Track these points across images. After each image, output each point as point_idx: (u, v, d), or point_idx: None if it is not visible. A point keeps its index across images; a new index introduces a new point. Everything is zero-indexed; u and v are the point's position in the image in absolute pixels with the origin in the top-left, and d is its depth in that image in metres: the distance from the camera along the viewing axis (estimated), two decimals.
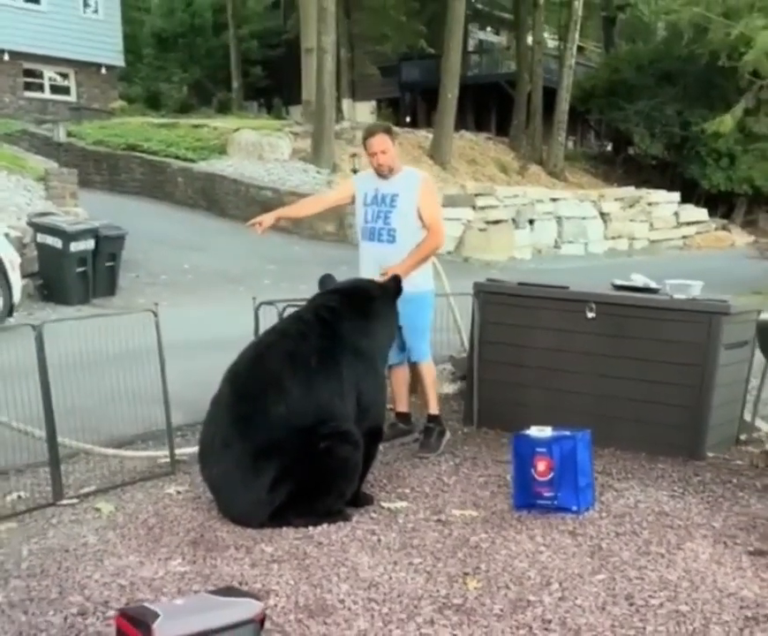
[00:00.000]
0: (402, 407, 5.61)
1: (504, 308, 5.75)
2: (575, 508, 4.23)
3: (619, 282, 5.86)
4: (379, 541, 3.90)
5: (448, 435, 5.46)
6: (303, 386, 4.11)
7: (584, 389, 5.43)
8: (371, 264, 5.24)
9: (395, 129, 23.27)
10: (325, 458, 4.05)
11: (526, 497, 4.29)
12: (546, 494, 4.23)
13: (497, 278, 6.24)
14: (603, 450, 5.15)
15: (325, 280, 4.70)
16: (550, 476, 4.21)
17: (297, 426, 4.04)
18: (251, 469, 4.03)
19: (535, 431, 4.33)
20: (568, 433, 4.31)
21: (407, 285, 5.15)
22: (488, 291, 5.87)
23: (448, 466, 5.08)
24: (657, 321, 5.26)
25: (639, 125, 27.51)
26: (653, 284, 5.73)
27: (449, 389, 6.71)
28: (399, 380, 5.56)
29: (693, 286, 5.39)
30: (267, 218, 5.35)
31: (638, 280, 5.85)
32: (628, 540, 3.95)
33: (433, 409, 5.42)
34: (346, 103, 30.92)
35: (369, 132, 5.33)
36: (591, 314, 5.41)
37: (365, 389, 4.32)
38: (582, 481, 4.25)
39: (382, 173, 5.22)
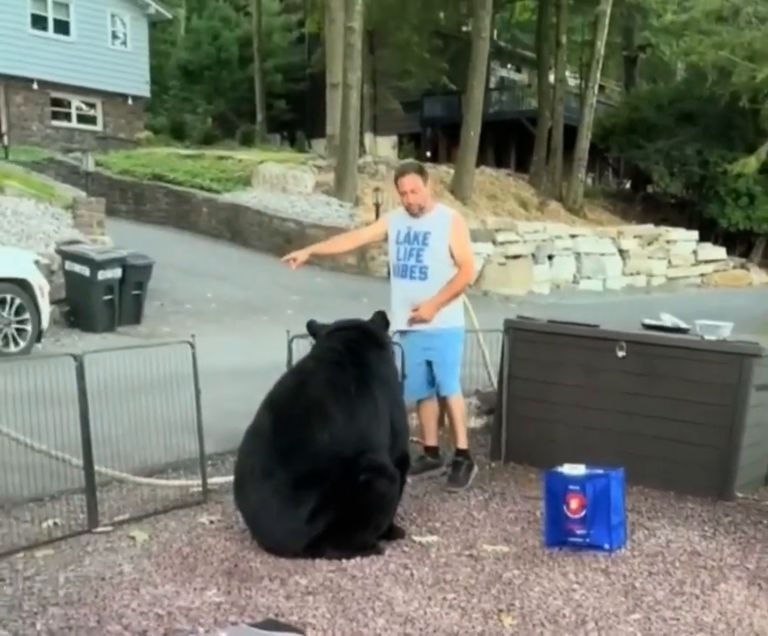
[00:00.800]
0: (431, 441, 5.64)
1: (534, 345, 5.79)
2: (607, 546, 4.23)
3: (649, 321, 5.88)
4: (412, 575, 3.92)
5: (476, 469, 5.48)
6: (345, 413, 4.17)
7: (613, 426, 5.45)
8: (402, 301, 5.35)
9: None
10: (363, 491, 4.08)
11: (558, 534, 4.29)
12: (579, 531, 4.24)
13: (527, 315, 6.27)
14: (631, 488, 5.14)
15: (313, 324, 4.73)
16: (582, 513, 4.22)
17: (339, 454, 4.08)
18: (291, 498, 4.05)
19: (568, 468, 4.34)
20: (601, 471, 4.32)
21: (438, 321, 5.24)
22: (518, 328, 5.91)
23: (477, 501, 5.10)
24: (687, 362, 5.28)
25: (659, 164, 27.72)
26: (683, 325, 5.75)
27: (476, 423, 6.73)
28: (428, 414, 5.60)
29: (723, 327, 5.41)
30: (301, 254, 5.42)
31: (668, 320, 5.87)
32: (662, 579, 3.95)
33: (462, 443, 5.45)
34: (368, 138, 31.19)
35: (400, 172, 5.43)
36: (621, 353, 5.43)
37: (396, 416, 4.42)
38: (614, 519, 4.26)
39: (413, 212, 5.31)
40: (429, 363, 5.39)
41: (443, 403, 5.58)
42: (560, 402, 5.64)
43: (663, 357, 5.34)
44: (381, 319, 4.79)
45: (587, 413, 5.53)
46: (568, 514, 4.27)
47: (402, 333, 5.36)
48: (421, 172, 5.34)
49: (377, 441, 4.23)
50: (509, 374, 5.87)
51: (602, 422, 5.46)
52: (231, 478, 4.99)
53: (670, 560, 4.19)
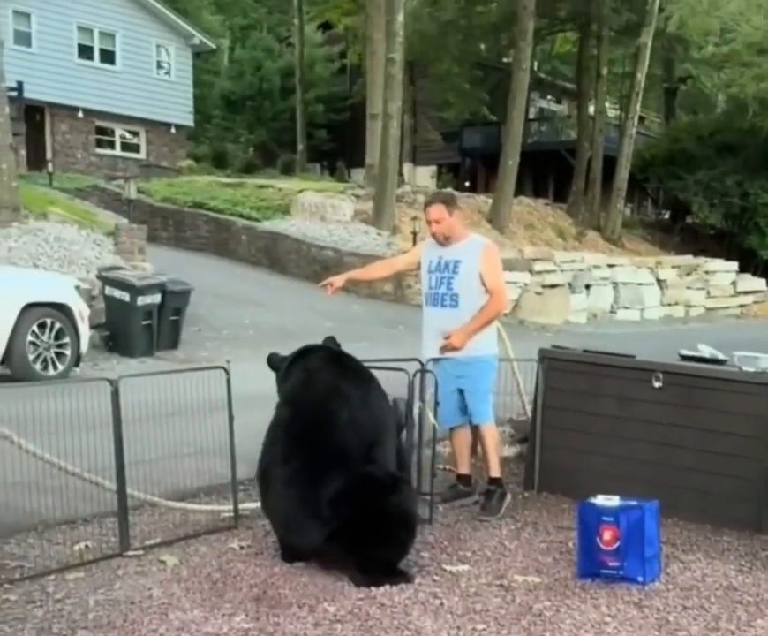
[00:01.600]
0: (464, 469, 5.61)
1: (568, 375, 5.74)
2: (641, 579, 4.15)
3: (686, 352, 5.81)
4: (441, 604, 3.87)
5: (509, 497, 5.43)
6: (360, 393, 4.33)
7: (648, 457, 5.37)
8: (434, 329, 5.37)
9: (455, 194, 23.67)
10: (386, 507, 4.09)
11: (591, 566, 4.22)
12: (612, 563, 4.17)
13: (562, 345, 6.22)
14: (666, 520, 5.05)
15: (273, 357, 4.82)
16: (616, 545, 4.16)
17: (359, 433, 4.15)
18: (311, 480, 4.08)
19: (601, 499, 4.28)
20: (635, 502, 4.26)
21: (470, 349, 5.22)
22: (553, 358, 5.87)
23: (509, 531, 5.04)
24: (725, 393, 5.19)
25: (698, 195, 27.66)
26: (721, 356, 5.67)
27: (509, 452, 6.68)
28: (461, 441, 5.58)
29: (762, 359, 5.32)
30: (338, 280, 5.48)
31: (705, 351, 5.80)
32: (697, 614, 3.86)
33: (495, 472, 5.41)
34: (407, 167, 31.38)
35: (427, 201, 5.52)
36: (657, 384, 5.37)
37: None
38: (648, 552, 4.18)
39: (438, 241, 5.36)
40: (461, 391, 5.37)
41: (476, 431, 5.56)
42: (595, 432, 5.58)
43: (700, 388, 5.26)
44: (333, 342, 4.86)
45: (622, 444, 5.46)
46: (601, 546, 4.20)
47: (435, 361, 5.35)
48: (447, 202, 5.36)
49: (390, 429, 4.36)
50: (543, 404, 5.82)
51: (637, 453, 5.39)
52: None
53: (705, 594, 4.10)
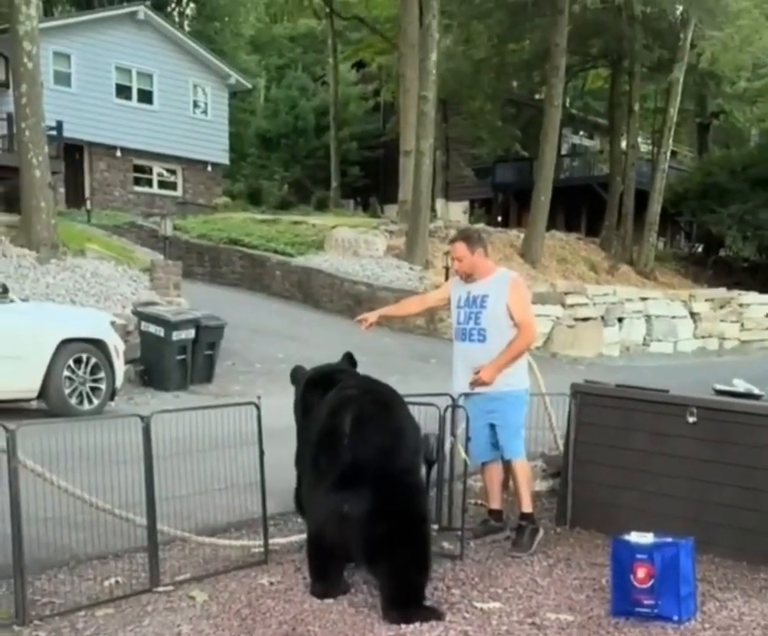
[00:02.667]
0: (495, 504, 5.57)
1: (601, 410, 5.68)
2: (676, 617, 4.07)
3: (720, 387, 5.73)
4: None
5: (541, 533, 5.37)
6: (396, 398, 4.51)
7: (682, 493, 5.29)
8: (463, 364, 5.38)
9: (488, 229, 23.76)
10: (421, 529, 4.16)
11: (625, 604, 4.15)
12: (646, 601, 4.09)
13: (594, 380, 6.17)
14: (701, 556, 4.95)
15: (298, 370, 4.98)
16: (650, 583, 4.09)
17: (404, 433, 4.33)
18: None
19: (635, 536, 4.22)
20: (669, 539, 4.19)
21: (500, 384, 5.20)
22: (585, 392, 5.82)
23: (541, 567, 4.98)
24: (761, 428, 5.11)
25: (732, 228, 27.71)
26: (756, 390, 5.59)
27: (541, 486, 6.61)
28: (492, 477, 5.55)
29: None
30: (372, 316, 5.54)
31: (740, 385, 5.72)
32: None
33: (527, 507, 5.36)
34: (440, 203, 31.51)
35: (451, 239, 5.63)
36: (692, 419, 5.30)
37: None
38: (684, 590, 4.11)
39: (461, 278, 5.43)
40: (492, 426, 5.35)
41: (508, 466, 5.52)
42: (628, 467, 5.51)
43: (735, 423, 5.18)
44: (350, 359, 4.97)
45: (656, 480, 5.38)
46: (636, 583, 4.13)
47: (466, 396, 5.34)
48: (469, 240, 5.38)
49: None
50: (576, 439, 5.77)
51: (671, 489, 5.31)
52: (293, 538, 5.00)
53: (743, 634, 4.01)
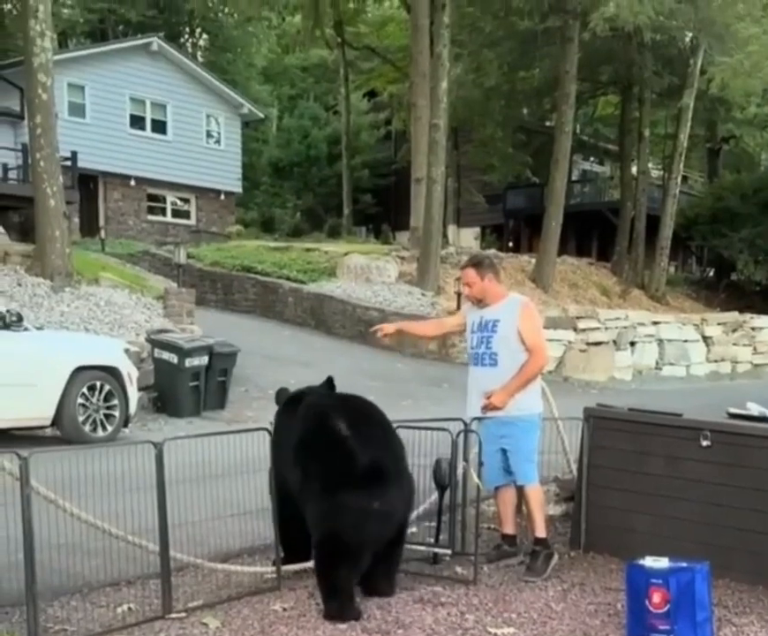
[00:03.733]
0: (509, 529, 5.55)
1: (614, 433, 5.66)
2: None
3: (734, 410, 5.71)
4: None
5: (555, 558, 5.34)
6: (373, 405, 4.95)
7: (697, 517, 5.26)
8: (476, 388, 5.40)
9: (500, 255, 23.78)
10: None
11: (640, 629, 4.11)
12: (662, 627, 4.05)
13: (607, 403, 6.16)
14: (717, 581, 4.90)
15: (281, 392, 5.28)
16: (666, 608, 4.05)
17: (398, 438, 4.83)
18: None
19: (650, 561, 4.19)
20: (685, 564, 4.16)
21: (512, 408, 5.21)
22: (598, 416, 5.80)
23: (555, 592, 4.95)
24: None
25: (743, 252, 27.84)
26: None
27: (554, 510, 6.57)
28: (505, 501, 5.53)
29: None
30: (390, 327, 5.65)
31: (754, 409, 5.69)
32: None
33: (540, 532, 5.34)
34: (451, 230, 31.61)
35: (461, 266, 5.70)
36: (705, 443, 5.28)
37: None
38: (700, 615, 4.07)
39: (472, 303, 5.49)
40: (504, 451, 5.34)
41: (521, 490, 5.50)
42: (642, 491, 5.49)
43: (749, 447, 5.16)
44: (330, 384, 5.15)
45: (670, 504, 5.36)
46: (651, 609, 4.10)
47: (479, 420, 5.34)
48: (478, 266, 5.43)
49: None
50: (589, 463, 5.75)
51: (685, 513, 5.28)
52: (306, 565, 5.00)
53: None
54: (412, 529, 5.88)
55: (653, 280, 27.16)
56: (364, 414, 4.75)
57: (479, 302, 5.41)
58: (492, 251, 25.29)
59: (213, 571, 5.09)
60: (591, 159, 37.63)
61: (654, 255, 27.11)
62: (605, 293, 25.26)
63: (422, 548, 5.43)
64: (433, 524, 5.59)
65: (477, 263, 5.48)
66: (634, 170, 29.12)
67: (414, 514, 5.76)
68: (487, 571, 5.22)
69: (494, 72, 27.81)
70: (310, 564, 5.11)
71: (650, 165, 30.79)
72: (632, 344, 20.15)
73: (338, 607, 4.32)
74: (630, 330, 20.16)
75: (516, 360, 5.27)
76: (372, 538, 4.40)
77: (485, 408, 5.28)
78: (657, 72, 27.27)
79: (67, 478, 4.52)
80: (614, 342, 19.63)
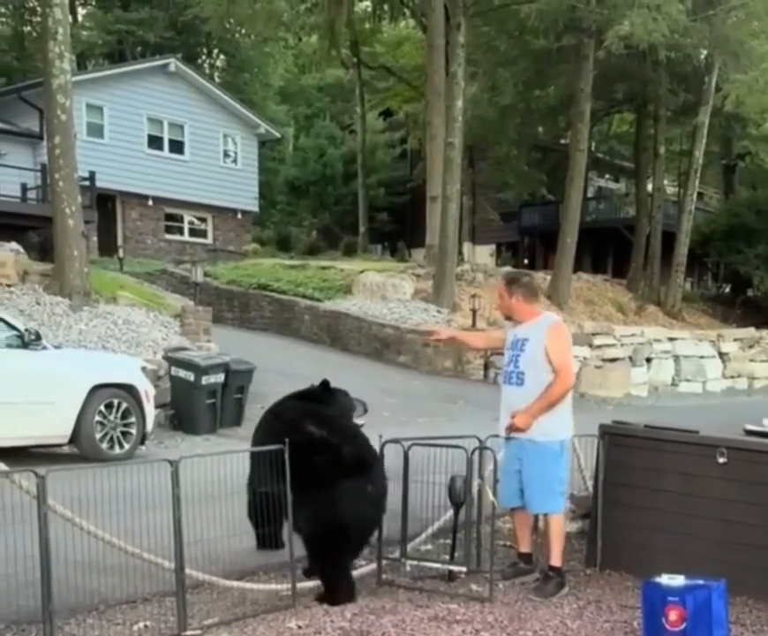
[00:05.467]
0: (525, 548, 5.52)
1: (630, 450, 5.64)
2: None
3: (751, 427, 5.68)
4: None
5: (566, 589, 5.22)
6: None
7: (713, 535, 5.23)
8: (504, 406, 5.35)
9: (528, 275, 23.76)
10: None
11: None
12: None
13: (623, 420, 6.13)
14: (734, 598, 4.87)
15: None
16: (683, 626, 4.03)
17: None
18: None
19: (666, 579, 4.17)
20: (701, 582, 4.13)
21: (534, 432, 5.15)
22: (614, 433, 5.78)
23: (571, 609, 4.92)
24: None
25: (759, 268, 27.81)
26: None
27: (570, 527, 6.52)
28: (521, 522, 5.50)
29: None
30: (444, 332, 5.79)
31: None
32: None
33: (556, 561, 5.23)
34: (467, 247, 31.64)
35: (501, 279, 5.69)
36: (722, 460, 5.25)
37: None
38: (717, 633, 4.05)
39: (504, 319, 5.54)
40: (518, 472, 5.27)
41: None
42: (658, 508, 5.46)
43: (766, 464, 5.13)
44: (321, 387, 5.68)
45: (686, 521, 5.33)
46: (668, 627, 4.09)
47: (505, 439, 5.32)
48: (510, 283, 5.43)
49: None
50: (605, 480, 5.73)
51: (702, 530, 5.25)
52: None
53: None
54: (427, 546, 5.90)
55: (669, 296, 27.12)
56: (328, 416, 5.24)
57: (507, 318, 5.49)
58: (507, 268, 25.31)
59: (228, 588, 5.10)
60: (607, 176, 37.65)
61: (670, 272, 27.09)
62: (620, 310, 25.21)
63: (437, 565, 5.42)
64: (448, 541, 5.58)
65: (509, 281, 5.49)
66: (649, 186, 29.15)
67: (429, 531, 5.78)
68: (503, 589, 5.21)
69: (509, 91, 27.88)
70: None
71: (665, 182, 30.76)
72: (648, 360, 20.10)
73: (346, 591, 4.78)
74: (646, 347, 20.10)
75: (542, 381, 5.18)
76: (369, 522, 4.90)
77: (509, 429, 5.23)
78: (672, 90, 27.28)
79: (84, 496, 4.54)
80: (630, 358, 19.58)
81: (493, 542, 5.24)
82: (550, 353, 5.19)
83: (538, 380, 5.18)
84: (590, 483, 6.37)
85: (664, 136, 28.37)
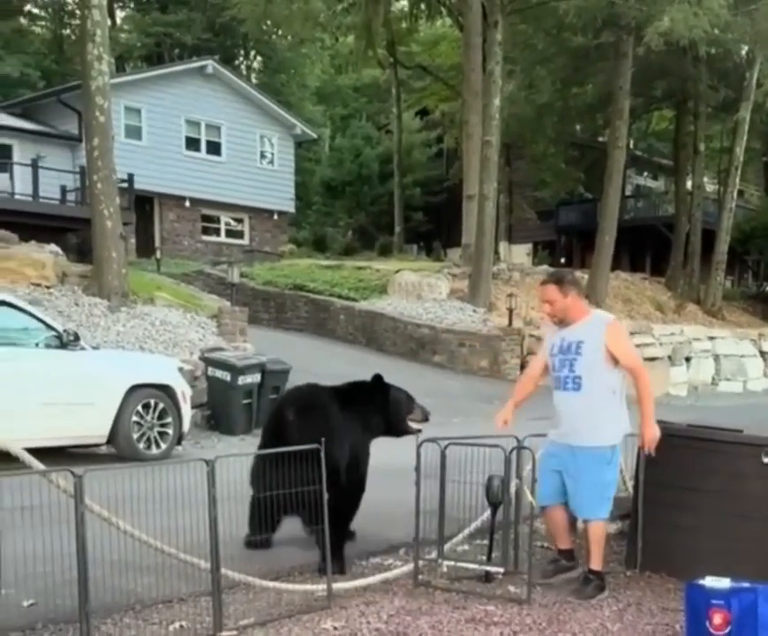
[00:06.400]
0: (564, 544, 5.36)
1: (672, 450, 5.50)
2: None
3: None
4: None
5: (605, 593, 5.08)
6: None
7: (758, 536, 5.10)
8: (562, 413, 5.12)
9: (551, 271, 23.55)
10: None
11: None
12: None
13: (664, 420, 6.01)
14: None
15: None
16: (727, 630, 3.92)
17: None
18: None
19: (710, 581, 4.06)
20: (747, 584, 4.02)
21: (588, 437, 5.00)
22: None
23: (611, 612, 4.82)
24: None
25: None
26: None
27: (609, 528, 6.42)
28: (555, 519, 5.31)
29: None
30: (506, 413, 5.31)
31: None
32: None
33: (596, 565, 5.09)
34: (503, 246, 31.53)
35: (541, 282, 5.34)
36: (767, 459, 5.13)
37: None
38: None
39: (553, 322, 5.19)
40: (558, 472, 5.12)
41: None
42: (701, 509, 5.35)
43: None
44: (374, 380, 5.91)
45: (730, 522, 5.21)
46: (711, 630, 3.97)
47: (555, 443, 5.16)
48: (561, 283, 5.10)
49: None
50: (646, 480, 5.61)
51: (747, 531, 5.13)
52: (357, 583, 4.95)
53: None
54: (464, 547, 5.84)
55: (709, 295, 26.88)
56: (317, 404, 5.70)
57: (561, 322, 5.12)
58: (544, 267, 25.17)
59: (264, 588, 5.06)
60: (645, 174, 37.31)
61: (710, 270, 26.89)
62: (659, 308, 24.96)
63: (474, 566, 5.35)
64: (485, 542, 5.51)
65: (559, 279, 5.16)
66: (689, 184, 28.81)
67: (466, 531, 5.71)
68: (540, 591, 5.12)
69: (547, 89, 27.76)
70: (361, 582, 5.09)
71: (705, 179, 30.39)
72: (687, 359, 19.94)
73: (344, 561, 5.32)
74: (686, 346, 19.93)
75: (602, 384, 5.00)
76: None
77: (648, 448, 5.12)
78: (712, 86, 26.96)
79: (120, 495, 4.55)
80: (669, 357, 19.43)
81: (531, 543, 5.16)
82: (618, 354, 4.99)
83: (597, 383, 4.98)
84: (629, 483, 6.26)
85: (704, 133, 28.13)
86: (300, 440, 5.00)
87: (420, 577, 5.25)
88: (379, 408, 5.74)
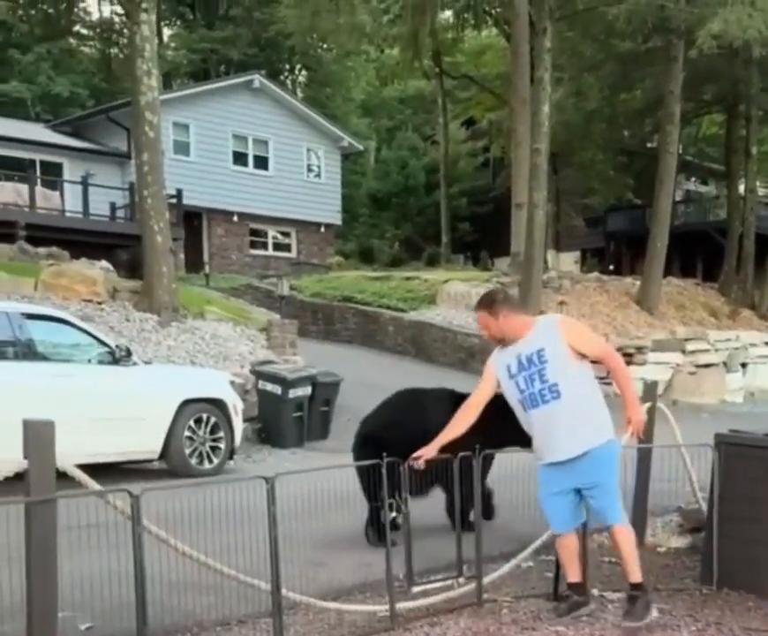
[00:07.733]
0: (576, 577, 4.94)
1: (749, 461, 5.26)
2: None
3: None
4: None
5: (654, 613, 4.73)
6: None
7: None
8: (544, 431, 4.77)
9: (602, 277, 23.27)
10: None
11: None
12: None
13: (739, 429, 5.75)
14: None
15: None
16: None
17: None
18: None
19: None
20: None
21: (592, 438, 4.70)
22: (731, 443, 5.41)
23: (689, 632, 4.56)
24: None
25: None
26: None
27: (678, 543, 6.19)
28: (569, 547, 4.92)
29: None
30: (428, 451, 5.08)
31: None
32: None
33: (636, 577, 4.74)
34: (550, 254, 31.18)
35: (474, 308, 5.21)
36: None
37: None
38: None
39: (499, 344, 4.95)
40: (578, 491, 4.76)
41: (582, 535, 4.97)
42: None
43: None
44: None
45: None
46: None
47: (554, 464, 4.77)
48: (489, 307, 4.88)
49: None
50: (721, 493, 5.36)
51: None
52: (420, 602, 4.78)
53: None
54: (529, 563, 5.63)
55: (764, 300, 26.48)
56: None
57: (502, 342, 4.90)
58: (594, 274, 24.87)
59: (325, 609, 4.88)
60: (694, 179, 36.76)
61: (764, 275, 26.45)
62: (713, 314, 24.49)
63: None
64: (551, 557, 5.28)
65: (487, 304, 4.92)
66: (741, 188, 28.27)
67: (531, 548, 5.50)
68: (612, 609, 4.89)
69: (595, 95, 27.43)
70: (424, 601, 4.92)
71: (758, 183, 29.79)
72: (743, 365, 19.60)
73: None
74: (742, 351, 19.64)
75: (575, 384, 4.71)
76: None
77: (637, 433, 4.90)
78: (764, 89, 26.39)
79: (178, 513, 4.46)
80: (725, 363, 19.15)
81: (585, 558, 4.89)
82: (583, 347, 4.73)
83: (572, 384, 4.70)
84: (699, 495, 6.02)
85: (756, 137, 27.60)
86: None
87: (485, 595, 5.05)
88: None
